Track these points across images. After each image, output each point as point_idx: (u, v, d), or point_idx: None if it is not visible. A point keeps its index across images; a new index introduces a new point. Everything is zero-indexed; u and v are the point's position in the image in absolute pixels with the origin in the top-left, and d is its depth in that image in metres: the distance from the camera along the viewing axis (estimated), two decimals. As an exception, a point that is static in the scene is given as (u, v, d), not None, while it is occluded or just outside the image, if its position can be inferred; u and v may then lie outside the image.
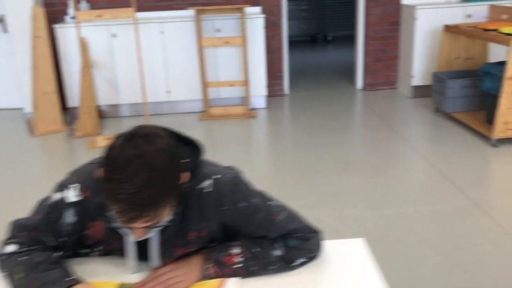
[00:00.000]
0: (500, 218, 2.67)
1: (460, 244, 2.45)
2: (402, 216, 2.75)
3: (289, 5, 8.76)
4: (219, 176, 1.16)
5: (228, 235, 1.21)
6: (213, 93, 4.82)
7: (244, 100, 4.77)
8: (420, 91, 5.04)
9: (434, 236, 2.53)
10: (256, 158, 3.72)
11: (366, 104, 4.94)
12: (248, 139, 4.15)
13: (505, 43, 3.53)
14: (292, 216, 1.21)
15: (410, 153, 3.63)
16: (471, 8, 4.79)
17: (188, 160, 1.13)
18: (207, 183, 1.15)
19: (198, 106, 4.91)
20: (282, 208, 1.21)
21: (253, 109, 4.90)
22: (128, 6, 4.66)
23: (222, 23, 4.65)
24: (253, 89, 4.84)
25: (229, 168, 1.21)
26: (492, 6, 4.36)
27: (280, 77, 5.27)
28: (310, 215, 2.79)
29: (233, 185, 1.16)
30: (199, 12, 4.44)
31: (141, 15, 4.83)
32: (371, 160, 3.54)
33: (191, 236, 1.17)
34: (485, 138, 3.80)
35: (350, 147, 3.82)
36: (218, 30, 4.65)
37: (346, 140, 3.96)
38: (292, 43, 9.13)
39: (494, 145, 3.66)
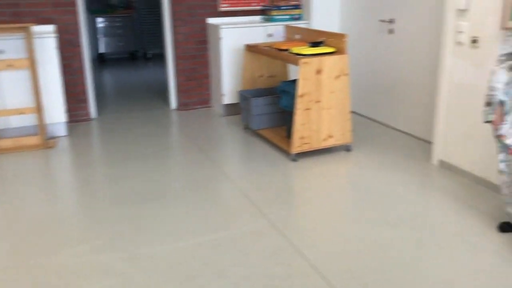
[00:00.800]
0: (292, 236, 2.70)
1: (252, 270, 2.39)
2: (199, 247, 2.61)
3: (104, 21, 8.35)
4: None
5: None
6: (0, 123, 4.19)
7: (39, 128, 4.23)
8: (232, 109, 5.08)
9: (227, 266, 2.44)
10: (47, 196, 3.27)
11: (179, 125, 4.81)
12: (42, 174, 3.66)
13: (294, 62, 3.69)
14: None
15: (217, 175, 3.56)
16: (271, 27, 5.00)
17: None
18: None
19: (-19, 139, 4.22)
20: None
21: (52, 138, 4.39)
22: None
23: (6, 44, 4.07)
24: (50, 116, 4.35)
25: None
26: (287, 26, 4.58)
27: (84, 100, 4.84)
28: (97, 260, 2.52)
29: None
30: (-28, 31, 3.82)
31: None
32: (177, 186, 3.38)
33: None
34: (286, 153, 3.93)
35: (157, 174, 3.61)
36: (1, 52, 4.06)
37: (153, 166, 3.75)
38: (110, 61, 8.69)
39: (294, 160, 3.80)
